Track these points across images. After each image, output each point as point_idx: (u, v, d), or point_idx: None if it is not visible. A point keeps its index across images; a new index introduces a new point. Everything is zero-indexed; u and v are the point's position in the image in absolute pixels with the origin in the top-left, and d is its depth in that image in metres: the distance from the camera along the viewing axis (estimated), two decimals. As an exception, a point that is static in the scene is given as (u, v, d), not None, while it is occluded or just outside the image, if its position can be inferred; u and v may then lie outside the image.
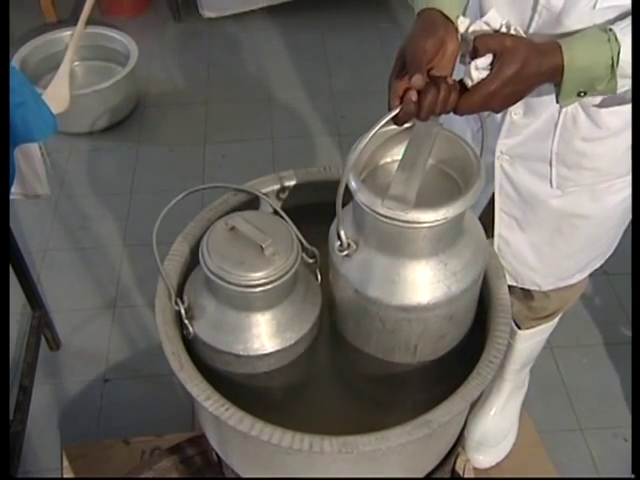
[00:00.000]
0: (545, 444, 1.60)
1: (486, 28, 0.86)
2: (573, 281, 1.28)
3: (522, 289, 1.31)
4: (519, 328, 1.41)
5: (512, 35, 0.85)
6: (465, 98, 0.82)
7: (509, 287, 1.25)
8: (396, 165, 0.86)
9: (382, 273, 0.85)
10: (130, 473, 1.43)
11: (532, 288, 1.28)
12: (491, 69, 0.82)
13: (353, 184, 0.83)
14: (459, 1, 0.91)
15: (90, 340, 1.85)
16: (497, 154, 1.13)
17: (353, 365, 0.98)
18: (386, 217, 0.80)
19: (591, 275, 1.96)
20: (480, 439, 1.58)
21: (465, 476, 1.44)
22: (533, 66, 0.82)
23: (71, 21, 2.61)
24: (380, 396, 0.96)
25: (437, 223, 0.80)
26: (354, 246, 0.86)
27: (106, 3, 2.93)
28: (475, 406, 1.61)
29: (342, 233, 0.85)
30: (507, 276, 1.23)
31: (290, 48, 2.80)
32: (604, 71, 0.85)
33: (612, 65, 0.84)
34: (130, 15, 2.96)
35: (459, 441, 1.02)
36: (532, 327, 1.41)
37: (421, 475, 0.98)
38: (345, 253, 0.86)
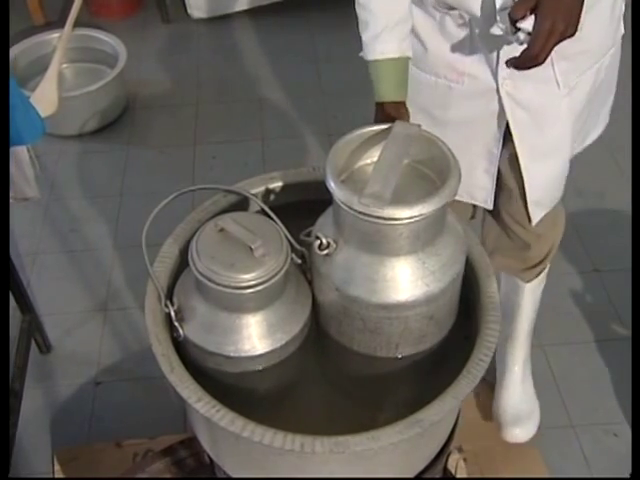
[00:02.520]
0: (537, 441, 1.61)
1: None
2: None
3: (520, 243, 1.41)
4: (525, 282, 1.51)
5: None
6: (532, 48, 0.93)
7: (509, 247, 1.41)
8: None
9: (362, 272, 0.87)
10: (122, 476, 1.42)
11: (554, 204, 1.36)
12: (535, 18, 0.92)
13: (331, 184, 0.85)
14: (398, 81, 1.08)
15: (81, 343, 1.84)
16: (500, 81, 1.16)
17: (342, 364, 0.99)
18: (363, 214, 0.82)
19: (582, 272, 1.98)
20: (515, 413, 1.58)
21: (457, 475, 1.44)
22: None
23: (59, 23, 2.59)
24: (369, 395, 0.97)
25: (413, 220, 0.82)
26: (334, 245, 0.88)
27: (94, 5, 2.92)
28: (498, 382, 1.63)
29: (321, 233, 0.87)
30: (540, 209, 1.32)
31: (280, 48, 2.80)
32: None
33: None
34: (119, 17, 2.95)
35: (450, 440, 1.03)
36: (531, 279, 1.50)
37: (413, 474, 0.98)
38: (325, 252, 0.88)
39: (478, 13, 1.08)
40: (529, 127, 1.21)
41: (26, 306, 1.71)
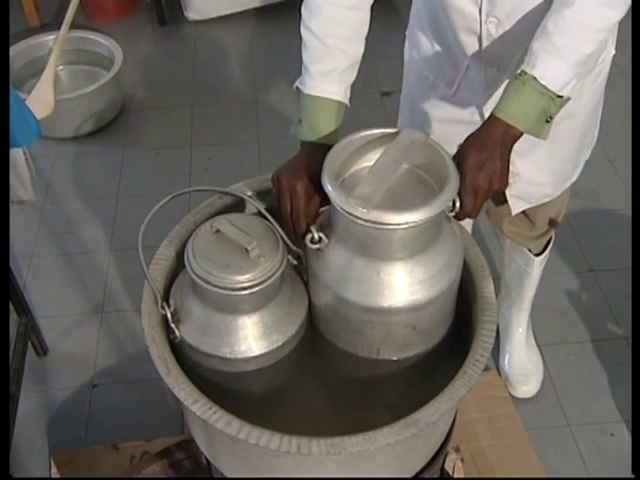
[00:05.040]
0: (533, 441, 1.61)
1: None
2: (574, 178, 1.38)
3: (527, 217, 1.44)
4: (535, 255, 1.58)
5: (457, 152, 0.92)
6: (463, 209, 0.90)
7: (515, 221, 1.43)
8: None
9: (352, 273, 0.87)
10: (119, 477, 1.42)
11: (545, 200, 1.37)
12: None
13: (327, 183, 0.85)
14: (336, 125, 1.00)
15: (78, 345, 1.84)
16: (485, 109, 1.19)
17: (338, 366, 0.99)
18: (350, 214, 0.82)
19: (577, 272, 1.98)
20: (522, 371, 1.73)
21: (454, 476, 1.44)
22: (489, 149, 0.91)
23: (55, 25, 2.59)
24: (366, 396, 0.97)
25: (400, 227, 0.81)
26: (326, 240, 0.88)
27: (90, 7, 2.92)
28: (503, 346, 1.76)
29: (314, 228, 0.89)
30: (522, 202, 1.34)
31: (275, 50, 2.80)
32: (542, 99, 0.92)
33: (542, 91, 0.91)
34: (114, 19, 2.95)
35: (448, 440, 1.03)
36: (539, 252, 1.58)
37: (410, 475, 0.98)
38: (317, 247, 0.88)
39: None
40: None
41: (22, 309, 1.71)
